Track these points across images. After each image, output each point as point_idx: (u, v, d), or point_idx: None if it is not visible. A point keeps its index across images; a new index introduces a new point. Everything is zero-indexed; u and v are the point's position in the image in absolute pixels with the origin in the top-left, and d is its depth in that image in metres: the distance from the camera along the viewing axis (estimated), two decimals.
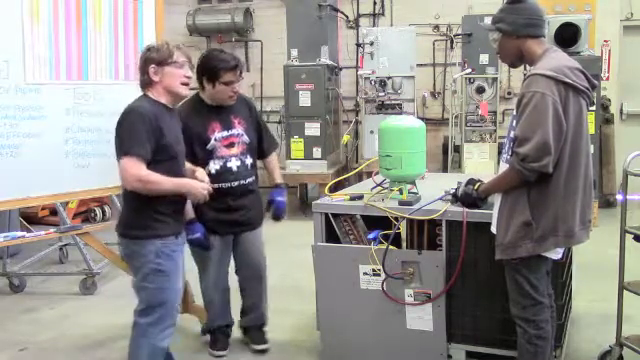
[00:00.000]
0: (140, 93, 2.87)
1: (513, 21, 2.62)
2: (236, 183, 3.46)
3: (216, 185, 3.33)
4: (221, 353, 3.66)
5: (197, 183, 2.91)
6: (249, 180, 3.52)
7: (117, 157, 2.71)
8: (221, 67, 3.32)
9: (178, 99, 2.93)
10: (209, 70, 3.35)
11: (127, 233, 2.82)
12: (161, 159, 2.75)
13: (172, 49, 2.82)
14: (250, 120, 3.57)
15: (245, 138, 3.50)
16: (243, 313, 3.79)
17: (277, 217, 3.65)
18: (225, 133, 3.45)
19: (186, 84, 2.86)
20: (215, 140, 3.42)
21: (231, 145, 3.46)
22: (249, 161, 3.52)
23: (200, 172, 3.12)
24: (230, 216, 3.49)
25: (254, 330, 3.76)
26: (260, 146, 3.66)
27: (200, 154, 3.39)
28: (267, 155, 3.72)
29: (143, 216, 2.77)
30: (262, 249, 3.70)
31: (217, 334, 3.72)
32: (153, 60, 2.79)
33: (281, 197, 3.64)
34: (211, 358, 3.65)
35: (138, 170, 2.66)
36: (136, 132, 2.68)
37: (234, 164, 3.45)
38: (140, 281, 2.81)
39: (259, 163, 3.68)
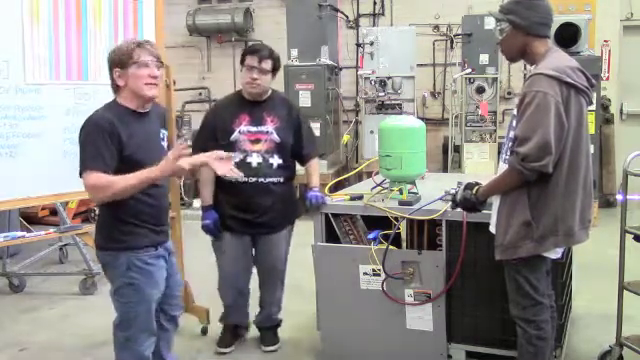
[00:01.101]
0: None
1: (528, 17, 2.57)
2: (254, 179, 3.40)
3: (233, 179, 3.32)
4: (223, 350, 3.66)
5: (169, 163, 2.50)
6: (270, 180, 3.44)
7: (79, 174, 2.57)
8: (245, 51, 3.46)
9: (146, 102, 2.70)
10: (241, 56, 3.47)
11: (100, 244, 2.72)
12: (126, 170, 2.54)
13: (132, 48, 2.63)
14: (287, 120, 3.52)
15: (275, 137, 3.45)
16: (258, 310, 3.80)
17: (307, 209, 3.51)
18: (253, 128, 3.43)
19: (152, 84, 2.65)
20: (239, 132, 3.42)
21: (257, 141, 3.43)
22: (275, 161, 3.45)
23: (215, 153, 2.81)
24: (245, 215, 3.45)
25: (264, 330, 3.77)
26: (300, 151, 3.58)
27: (223, 145, 3.36)
28: (307, 160, 3.63)
29: (113, 227, 2.67)
30: (281, 254, 3.60)
31: (225, 330, 3.74)
32: (115, 63, 2.63)
33: (314, 192, 3.47)
34: (211, 358, 3.65)
35: (98, 181, 2.50)
36: (91, 144, 2.54)
37: (254, 160, 3.41)
38: (113, 294, 2.74)
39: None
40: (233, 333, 3.75)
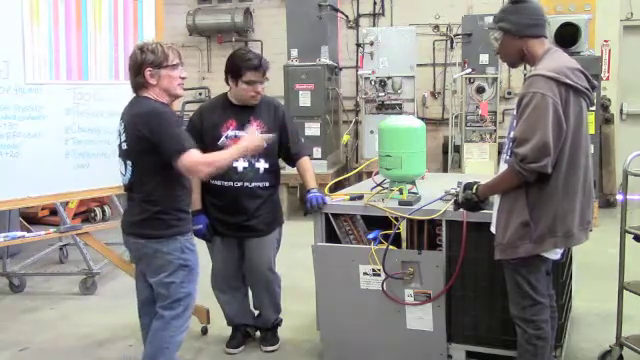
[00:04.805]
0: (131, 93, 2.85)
1: (517, 21, 2.61)
2: (239, 184, 3.42)
3: (219, 182, 3.39)
4: (231, 351, 3.67)
5: (251, 138, 2.95)
6: (255, 184, 3.44)
7: (172, 158, 2.65)
8: (243, 66, 3.36)
9: (175, 99, 2.95)
10: (233, 69, 3.40)
11: (147, 234, 2.79)
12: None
13: (167, 51, 2.79)
14: (273, 124, 3.49)
15: None
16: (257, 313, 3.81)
17: (307, 210, 3.48)
18: (239, 132, 3.42)
19: (181, 84, 2.87)
20: (226, 137, 3.42)
21: None
22: (262, 165, 3.45)
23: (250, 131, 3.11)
24: (231, 218, 3.46)
25: (264, 330, 3.78)
26: (287, 151, 3.56)
27: (211, 149, 3.39)
28: (296, 160, 3.59)
29: (168, 216, 2.78)
30: (268, 258, 3.57)
31: (234, 331, 3.75)
32: (148, 62, 2.75)
33: (313, 194, 3.40)
34: (211, 358, 3.65)
35: (203, 157, 2.72)
36: (176, 128, 2.74)
37: (240, 164, 3.40)
38: (166, 277, 2.80)
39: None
40: (243, 333, 3.76)
